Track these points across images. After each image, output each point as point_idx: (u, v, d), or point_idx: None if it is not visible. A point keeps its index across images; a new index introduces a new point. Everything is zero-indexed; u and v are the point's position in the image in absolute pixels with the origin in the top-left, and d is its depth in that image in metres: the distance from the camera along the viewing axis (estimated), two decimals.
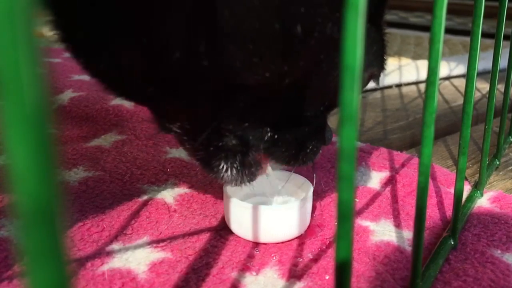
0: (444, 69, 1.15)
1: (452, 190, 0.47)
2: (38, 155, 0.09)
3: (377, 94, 0.96)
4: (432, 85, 0.26)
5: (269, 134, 0.33)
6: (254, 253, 0.36)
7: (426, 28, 2.01)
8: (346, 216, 0.17)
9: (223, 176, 0.34)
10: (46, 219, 0.09)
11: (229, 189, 0.39)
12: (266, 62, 0.28)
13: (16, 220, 0.09)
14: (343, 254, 0.18)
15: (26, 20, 0.09)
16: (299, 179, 0.42)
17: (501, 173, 0.56)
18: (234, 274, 0.34)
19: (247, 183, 0.36)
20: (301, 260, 0.36)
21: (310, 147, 0.35)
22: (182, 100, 0.31)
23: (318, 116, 0.35)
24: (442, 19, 0.25)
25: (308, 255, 0.36)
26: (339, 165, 0.17)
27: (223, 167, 0.34)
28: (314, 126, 0.35)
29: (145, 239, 0.37)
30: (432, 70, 0.26)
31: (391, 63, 1.22)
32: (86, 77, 0.82)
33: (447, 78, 1.14)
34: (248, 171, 0.35)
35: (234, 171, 0.34)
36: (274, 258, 0.36)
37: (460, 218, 0.40)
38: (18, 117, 0.09)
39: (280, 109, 0.32)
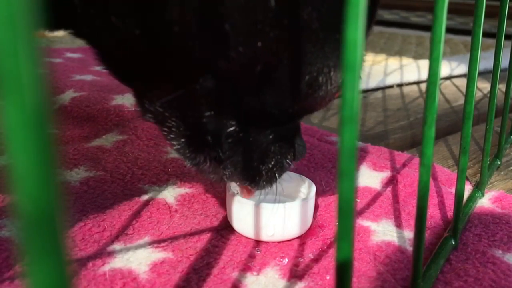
0: (445, 68, 1.15)
1: (453, 190, 0.47)
2: (39, 156, 0.09)
3: (378, 94, 0.96)
4: (433, 85, 0.26)
5: (232, 130, 0.32)
6: (255, 253, 0.36)
7: (427, 28, 2.01)
8: (347, 214, 0.17)
9: (201, 168, 0.34)
10: (46, 220, 0.09)
11: (232, 186, 0.40)
12: (239, 33, 0.27)
13: (17, 221, 0.09)
14: (344, 252, 0.18)
15: (26, 20, 0.09)
16: (302, 179, 0.42)
17: (502, 173, 0.56)
18: (235, 274, 0.34)
19: (225, 179, 0.35)
20: (302, 260, 0.36)
21: (275, 161, 0.34)
22: (153, 77, 0.30)
23: (288, 121, 0.33)
24: (443, 20, 0.25)
25: (309, 255, 0.36)
26: (339, 162, 0.17)
27: (199, 159, 0.33)
28: (283, 132, 0.33)
29: (146, 239, 0.37)
30: (433, 71, 0.26)
31: (392, 62, 1.22)
32: (87, 77, 0.83)
33: (448, 77, 1.14)
34: (226, 166, 0.34)
35: (213, 163, 0.33)
36: (282, 259, 0.36)
37: (461, 218, 0.40)
38: (18, 117, 0.09)
39: (248, 103, 0.30)
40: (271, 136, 0.33)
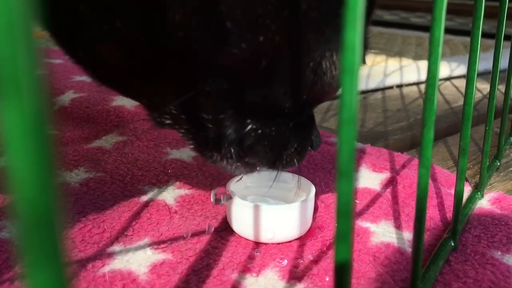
0: (445, 69, 1.15)
1: (452, 191, 0.47)
2: (37, 158, 0.09)
3: (378, 95, 0.96)
4: (432, 88, 0.26)
5: (249, 127, 0.32)
6: (255, 254, 0.36)
7: (427, 29, 2.00)
8: (345, 215, 0.17)
9: (219, 165, 0.35)
10: (45, 222, 0.09)
11: (232, 188, 0.40)
12: (240, 29, 0.27)
13: (16, 223, 0.09)
14: (342, 254, 0.18)
15: (24, 21, 0.09)
16: (302, 180, 0.42)
17: (501, 174, 0.56)
18: (234, 276, 0.34)
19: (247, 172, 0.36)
20: (301, 261, 0.36)
21: (294, 147, 0.34)
22: (162, 81, 0.30)
23: (302, 113, 0.34)
24: (441, 22, 0.25)
25: (308, 256, 0.36)
26: (338, 163, 0.17)
27: (216, 157, 0.34)
28: (298, 123, 0.34)
29: (146, 240, 0.37)
30: (432, 73, 0.26)
31: (392, 63, 1.22)
32: (87, 78, 0.82)
33: (448, 78, 1.14)
34: (242, 161, 0.35)
35: (229, 161, 0.34)
36: (282, 261, 0.36)
37: (461, 220, 0.40)
38: (17, 119, 0.09)
39: (258, 99, 0.31)
40: (287, 126, 0.33)
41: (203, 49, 0.28)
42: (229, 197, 0.39)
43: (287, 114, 0.32)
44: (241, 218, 0.38)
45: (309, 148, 0.36)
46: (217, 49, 0.28)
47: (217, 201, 0.39)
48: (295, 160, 0.35)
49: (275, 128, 0.33)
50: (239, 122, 0.32)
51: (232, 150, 0.33)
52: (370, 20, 0.33)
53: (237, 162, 0.34)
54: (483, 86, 1.03)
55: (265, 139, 0.33)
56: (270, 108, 0.31)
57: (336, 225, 0.17)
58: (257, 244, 0.38)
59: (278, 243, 0.38)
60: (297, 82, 0.30)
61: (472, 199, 0.46)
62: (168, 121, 0.33)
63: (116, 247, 0.36)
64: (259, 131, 0.32)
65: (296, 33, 0.28)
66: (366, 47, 0.34)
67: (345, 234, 0.17)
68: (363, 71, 1.09)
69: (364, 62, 0.35)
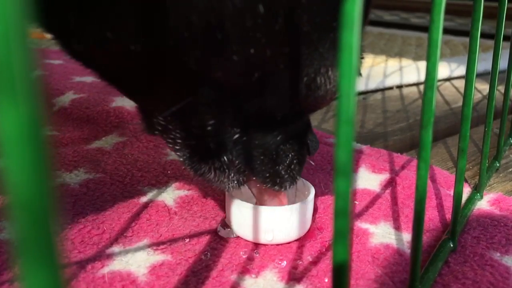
0: (445, 70, 1.15)
1: (452, 192, 0.47)
2: (33, 160, 0.09)
3: (378, 95, 0.96)
4: (431, 90, 0.26)
5: (239, 137, 0.32)
6: (254, 255, 0.36)
7: (427, 29, 2.00)
8: (343, 214, 0.17)
9: (207, 177, 0.35)
10: (40, 223, 0.10)
11: (236, 193, 0.40)
12: (230, 41, 0.27)
13: (12, 224, 0.09)
14: (341, 253, 0.18)
15: (20, 22, 0.09)
16: (301, 181, 0.42)
17: (501, 175, 0.56)
18: (233, 277, 0.34)
19: (232, 188, 0.36)
20: (300, 262, 0.36)
21: (290, 159, 0.34)
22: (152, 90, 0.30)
23: (293, 121, 0.34)
24: (440, 24, 0.25)
25: (307, 257, 0.36)
26: (336, 164, 0.17)
27: (203, 169, 0.34)
28: (293, 133, 0.34)
29: (145, 241, 0.37)
30: (431, 75, 0.26)
31: (392, 64, 1.22)
32: (87, 79, 0.83)
33: (448, 79, 1.14)
34: (231, 175, 0.35)
35: (217, 172, 0.34)
36: (281, 262, 0.36)
37: (460, 221, 0.40)
38: (13, 120, 0.09)
39: (251, 110, 0.31)
40: (282, 136, 0.33)
41: (194, 60, 0.28)
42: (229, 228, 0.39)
43: (280, 124, 0.32)
44: (240, 218, 0.38)
45: (307, 154, 0.36)
46: (209, 61, 0.28)
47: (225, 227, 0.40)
48: (295, 174, 0.35)
49: (268, 137, 0.33)
50: (230, 133, 0.32)
51: (222, 163, 0.33)
52: (367, 21, 0.33)
53: (226, 175, 0.34)
54: (482, 87, 1.03)
55: (260, 153, 0.33)
56: (263, 117, 0.31)
57: (334, 225, 0.17)
58: (256, 245, 0.38)
59: (278, 244, 0.38)
60: (291, 94, 0.30)
61: (471, 200, 0.46)
62: (158, 127, 0.33)
63: (115, 248, 0.36)
64: (251, 141, 0.33)
65: (289, 46, 0.28)
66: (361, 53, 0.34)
67: (343, 235, 0.17)
68: (363, 71, 1.09)
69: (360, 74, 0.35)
